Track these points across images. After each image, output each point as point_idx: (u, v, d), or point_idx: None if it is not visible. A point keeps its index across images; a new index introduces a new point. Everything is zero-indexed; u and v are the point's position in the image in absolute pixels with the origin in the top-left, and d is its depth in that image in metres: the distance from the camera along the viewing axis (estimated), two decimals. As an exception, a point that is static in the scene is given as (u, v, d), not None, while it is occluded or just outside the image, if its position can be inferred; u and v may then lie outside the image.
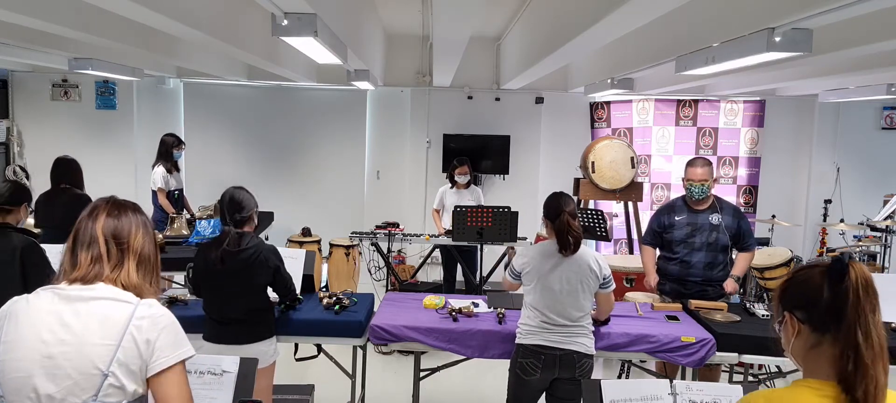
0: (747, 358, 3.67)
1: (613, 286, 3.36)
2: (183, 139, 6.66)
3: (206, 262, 3.35)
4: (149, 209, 6.24)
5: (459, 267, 6.35)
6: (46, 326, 1.62)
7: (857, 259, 6.12)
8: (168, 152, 6.36)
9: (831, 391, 1.38)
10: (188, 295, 3.89)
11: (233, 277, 3.32)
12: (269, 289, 3.53)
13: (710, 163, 4.31)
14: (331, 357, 4.00)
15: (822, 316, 1.41)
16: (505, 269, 3.55)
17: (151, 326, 1.64)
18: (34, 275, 3.27)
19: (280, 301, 3.64)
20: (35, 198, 5.05)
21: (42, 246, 3.43)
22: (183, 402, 1.66)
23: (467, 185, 6.48)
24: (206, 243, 3.49)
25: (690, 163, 4.30)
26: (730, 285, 4.19)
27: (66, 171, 5.10)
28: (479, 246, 5.77)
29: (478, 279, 6.03)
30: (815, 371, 1.44)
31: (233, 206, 3.38)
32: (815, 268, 1.45)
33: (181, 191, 6.53)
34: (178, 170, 6.52)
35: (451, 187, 6.52)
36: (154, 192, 6.28)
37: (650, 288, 4.42)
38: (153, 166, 6.37)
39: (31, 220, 5.05)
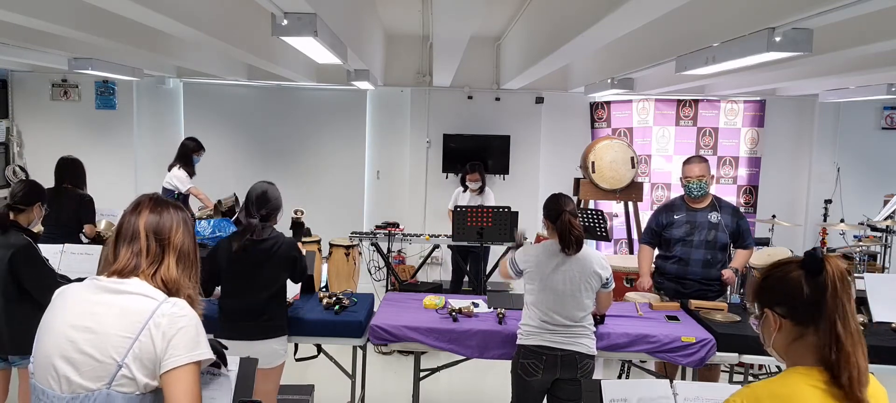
0: (747, 358, 3.67)
1: (613, 285, 3.38)
2: (203, 144, 6.57)
3: (228, 253, 3.37)
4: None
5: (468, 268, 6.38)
6: (76, 312, 1.70)
7: (857, 259, 6.15)
8: (187, 156, 6.35)
9: (820, 376, 1.44)
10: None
11: (255, 267, 3.37)
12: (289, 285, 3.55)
13: (706, 161, 4.33)
14: (331, 358, 4.00)
15: (804, 310, 1.47)
16: (510, 252, 3.55)
17: (170, 324, 1.68)
18: (26, 275, 3.30)
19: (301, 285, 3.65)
20: None
21: (39, 246, 3.44)
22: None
23: (479, 191, 6.56)
24: (229, 236, 3.53)
25: (687, 162, 4.32)
26: (727, 274, 4.18)
27: (70, 172, 5.14)
28: (488, 248, 5.79)
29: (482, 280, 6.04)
30: (799, 360, 1.50)
31: (262, 200, 3.42)
32: (789, 265, 1.51)
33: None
34: (194, 173, 6.47)
35: (464, 190, 6.63)
36: (182, 194, 6.23)
37: (643, 288, 4.42)
38: (170, 167, 6.35)
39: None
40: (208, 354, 1.74)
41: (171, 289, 1.76)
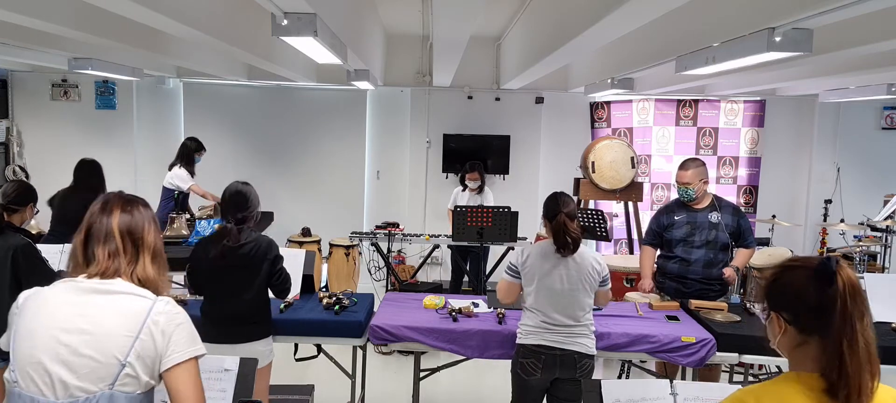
0: (747, 358, 3.66)
1: (610, 283, 3.40)
2: (204, 145, 6.57)
3: (206, 259, 3.33)
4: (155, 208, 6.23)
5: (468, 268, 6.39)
6: (65, 316, 1.67)
7: (857, 259, 6.15)
8: (188, 155, 6.37)
9: (817, 383, 1.39)
10: (187, 295, 3.89)
11: (234, 273, 3.31)
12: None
13: (701, 164, 4.30)
14: (331, 358, 4.00)
15: (808, 320, 1.41)
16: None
17: (168, 322, 1.71)
18: (27, 275, 3.31)
19: (277, 295, 3.54)
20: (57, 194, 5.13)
21: (37, 246, 3.45)
22: (196, 396, 1.72)
23: (478, 190, 6.57)
24: (205, 239, 3.48)
25: (681, 165, 4.33)
26: (728, 271, 4.18)
27: (84, 173, 5.22)
28: (488, 248, 5.80)
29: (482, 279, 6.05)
30: (801, 364, 1.45)
31: (236, 202, 3.36)
32: (799, 270, 1.44)
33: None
34: (194, 174, 6.49)
35: (463, 190, 6.65)
36: (182, 192, 6.25)
37: (644, 290, 4.41)
38: (170, 166, 6.36)
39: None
40: (204, 349, 1.77)
41: (149, 288, 1.76)
